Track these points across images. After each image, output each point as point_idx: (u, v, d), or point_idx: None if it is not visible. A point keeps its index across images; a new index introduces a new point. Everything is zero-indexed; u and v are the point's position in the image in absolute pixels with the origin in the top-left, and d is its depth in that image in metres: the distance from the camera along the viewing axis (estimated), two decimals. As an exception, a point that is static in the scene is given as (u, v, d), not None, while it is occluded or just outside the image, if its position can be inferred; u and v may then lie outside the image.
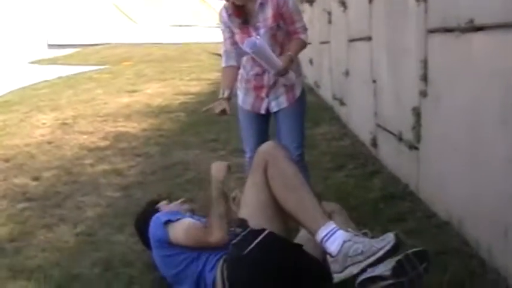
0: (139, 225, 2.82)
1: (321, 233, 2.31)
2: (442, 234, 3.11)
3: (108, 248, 3.11)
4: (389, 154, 4.78)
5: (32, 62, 22.93)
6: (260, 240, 2.33)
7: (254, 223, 2.42)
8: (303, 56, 14.60)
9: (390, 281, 2.14)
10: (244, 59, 3.24)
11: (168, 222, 2.55)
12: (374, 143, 5.21)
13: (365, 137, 5.60)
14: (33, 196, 4.24)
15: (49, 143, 6.31)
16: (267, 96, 3.29)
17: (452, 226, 3.21)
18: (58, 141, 6.39)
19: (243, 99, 3.37)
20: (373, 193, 3.92)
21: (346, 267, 2.20)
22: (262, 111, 3.34)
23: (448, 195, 3.33)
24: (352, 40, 6.24)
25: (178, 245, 2.50)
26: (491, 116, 2.70)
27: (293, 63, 3.19)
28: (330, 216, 2.51)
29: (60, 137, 6.61)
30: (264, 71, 3.20)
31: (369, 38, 5.22)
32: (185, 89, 11.74)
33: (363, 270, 2.18)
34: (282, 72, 3.09)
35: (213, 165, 2.72)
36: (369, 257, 2.13)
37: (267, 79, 3.24)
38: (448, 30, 3.23)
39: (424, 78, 3.63)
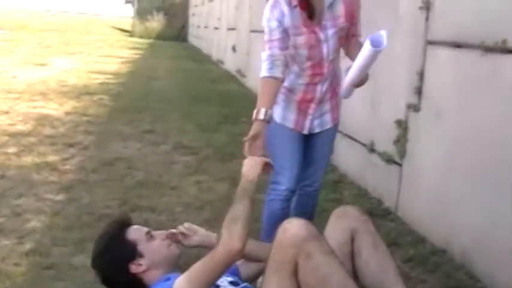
0: (102, 265, 2.04)
1: None
2: (445, 265, 2.89)
3: (72, 276, 2.54)
4: (352, 163, 4.53)
5: None
6: None
7: None
8: (221, 41, 14.28)
9: None
10: (291, 61, 2.49)
11: None
12: (330, 148, 4.94)
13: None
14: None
15: (-43, 122, 5.47)
16: (313, 112, 2.60)
17: (451, 255, 2.99)
18: (-32, 120, 5.55)
19: (283, 114, 2.57)
20: (350, 209, 3.62)
21: None
22: (305, 131, 2.62)
23: (446, 220, 3.10)
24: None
25: None
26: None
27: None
28: (352, 239, 2.07)
29: (-31, 116, 5.77)
30: (320, 80, 2.52)
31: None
32: (99, 67, 10.95)
33: None
34: (364, 82, 2.44)
35: (246, 162, 2.09)
36: None
37: (320, 90, 2.55)
38: (459, 45, 2.99)
39: (418, 91, 3.38)
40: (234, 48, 11.64)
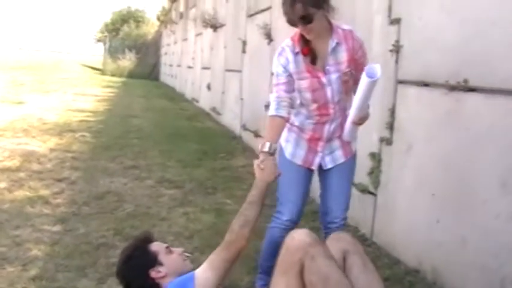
0: (126, 271, 2.35)
1: None
2: (419, 284, 3.17)
3: (80, 298, 2.77)
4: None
5: None
6: None
7: None
8: (196, 80, 14.58)
9: None
10: (300, 104, 2.73)
11: None
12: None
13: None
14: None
15: None
16: (322, 150, 2.82)
17: (423, 274, 3.27)
18: (-45, 158, 5.69)
19: (293, 151, 2.81)
20: (329, 236, 3.89)
21: None
22: (314, 167, 2.84)
23: (417, 243, 3.39)
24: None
25: None
26: (480, 166, 2.82)
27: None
28: (343, 258, 2.35)
29: (-44, 153, 5.90)
30: (327, 120, 2.74)
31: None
32: (77, 105, 11.14)
33: None
34: (365, 120, 2.69)
35: (264, 166, 2.42)
36: None
37: (328, 130, 2.76)
38: (426, 84, 3.34)
39: (390, 126, 3.71)
40: (208, 87, 11.97)
